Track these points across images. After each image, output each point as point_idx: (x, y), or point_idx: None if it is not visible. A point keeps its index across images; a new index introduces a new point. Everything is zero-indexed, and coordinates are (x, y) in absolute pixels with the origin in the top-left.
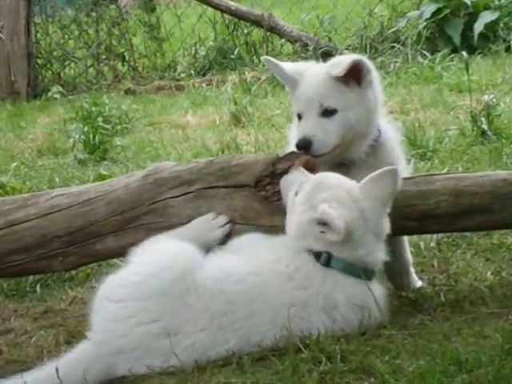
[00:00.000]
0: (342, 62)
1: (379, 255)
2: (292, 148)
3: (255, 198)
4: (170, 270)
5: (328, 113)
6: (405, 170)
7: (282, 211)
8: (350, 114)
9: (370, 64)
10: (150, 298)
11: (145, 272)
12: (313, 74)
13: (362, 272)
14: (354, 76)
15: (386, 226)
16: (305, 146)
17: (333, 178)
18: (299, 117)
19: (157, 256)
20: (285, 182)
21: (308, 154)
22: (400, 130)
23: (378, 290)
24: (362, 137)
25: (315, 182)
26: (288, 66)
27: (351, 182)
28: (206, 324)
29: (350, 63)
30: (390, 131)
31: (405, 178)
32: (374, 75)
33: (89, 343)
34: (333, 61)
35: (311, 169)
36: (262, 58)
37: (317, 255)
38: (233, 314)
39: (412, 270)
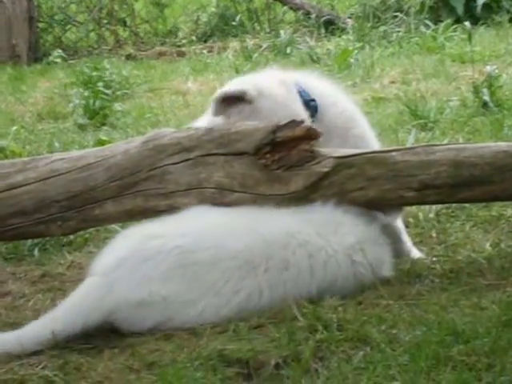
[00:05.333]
0: None
1: None
2: None
3: (255, 166)
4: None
5: None
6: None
7: (281, 179)
8: None
9: None
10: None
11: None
12: None
13: None
14: None
15: None
16: None
17: None
18: None
19: None
20: None
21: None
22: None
23: None
24: None
25: None
26: None
27: None
28: (187, 230)
29: None
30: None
31: (405, 148)
32: None
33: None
34: None
35: (311, 138)
36: None
37: None
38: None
39: (405, 238)
